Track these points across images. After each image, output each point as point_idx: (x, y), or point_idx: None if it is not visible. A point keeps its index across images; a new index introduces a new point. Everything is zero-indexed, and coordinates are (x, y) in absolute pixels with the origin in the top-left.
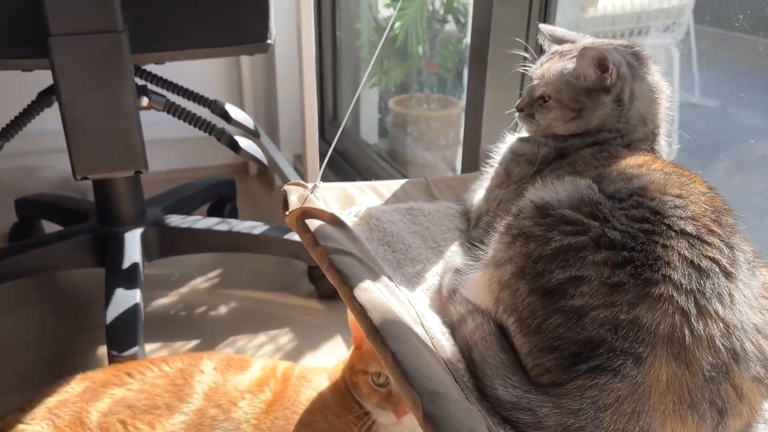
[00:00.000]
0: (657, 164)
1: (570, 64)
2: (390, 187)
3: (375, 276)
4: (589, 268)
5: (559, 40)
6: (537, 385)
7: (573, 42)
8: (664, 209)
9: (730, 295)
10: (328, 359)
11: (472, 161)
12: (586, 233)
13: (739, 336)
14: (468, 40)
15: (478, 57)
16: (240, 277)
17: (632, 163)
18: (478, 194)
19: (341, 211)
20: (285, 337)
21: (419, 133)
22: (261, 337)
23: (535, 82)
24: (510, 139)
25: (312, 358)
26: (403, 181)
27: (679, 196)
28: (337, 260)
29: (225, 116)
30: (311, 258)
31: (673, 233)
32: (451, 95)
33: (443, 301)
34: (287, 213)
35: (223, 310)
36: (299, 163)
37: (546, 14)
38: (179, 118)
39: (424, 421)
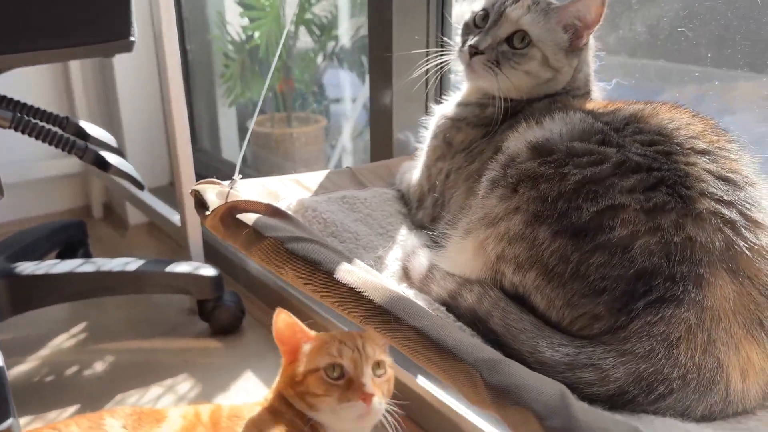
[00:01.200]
0: (620, 103)
1: (565, 15)
2: (314, 179)
3: (347, 259)
4: (623, 195)
5: None
6: (586, 338)
7: None
8: (668, 131)
9: (759, 203)
10: (245, 398)
11: (384, 152)
12: (605, 161)
13: None
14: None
15: (379, 40)
16: (112, 326)
17: (595, 105)
18: (413, 174)
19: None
20: (184, 385)
21: (285, 153)
22: (155, 389)
23: (508, 16)
24: (441, 108)
25: (225, 400)
26: (326, 171)
27: (671, 120)
28: (298, 248)
29: (81, 134)
30: (200, 291)
31: (688, 150)
32: (313, 111)
33: (419, 283)
34: (207, 213)
35: (99, 367)
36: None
37: None
38: (29, 134)
39: (490, 395)
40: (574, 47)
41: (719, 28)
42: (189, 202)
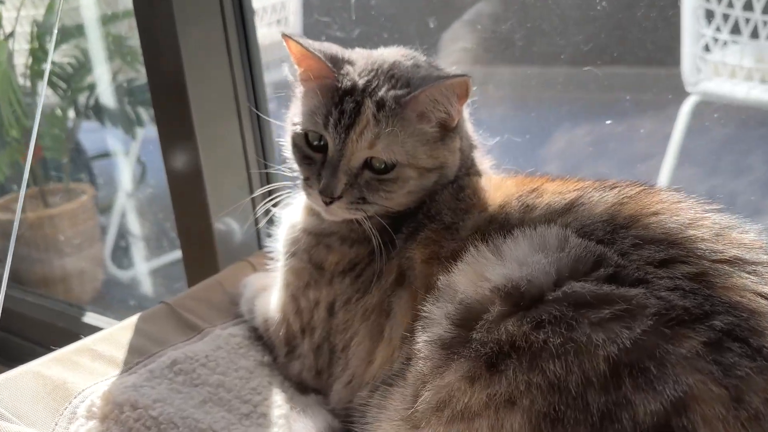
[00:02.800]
0: (540, 181)
1: (420, 105)
2: (116, 339)
3: None
4: (689, 371)
5: (337, 61)
6: None
7: (351, 62)
8: (674, 236)
9: None
10: None
11: (200, 249)
12: (637, 314)
13: None
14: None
15: (164, 90)
16: None
17: (515, 189)
18: (269, 303)
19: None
20: None
21: (45, 242)
22: None
23: (356, 143)
24: (291, 216)
25: None
26: (132, 320)
27: (657, 213)
28: None
29: None
30: None
31: (719, 264)
32: (73, 180)
33: None
34: None
35: None
36: None
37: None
38: None
39: None
40: (448, 129)
41: None
42: None
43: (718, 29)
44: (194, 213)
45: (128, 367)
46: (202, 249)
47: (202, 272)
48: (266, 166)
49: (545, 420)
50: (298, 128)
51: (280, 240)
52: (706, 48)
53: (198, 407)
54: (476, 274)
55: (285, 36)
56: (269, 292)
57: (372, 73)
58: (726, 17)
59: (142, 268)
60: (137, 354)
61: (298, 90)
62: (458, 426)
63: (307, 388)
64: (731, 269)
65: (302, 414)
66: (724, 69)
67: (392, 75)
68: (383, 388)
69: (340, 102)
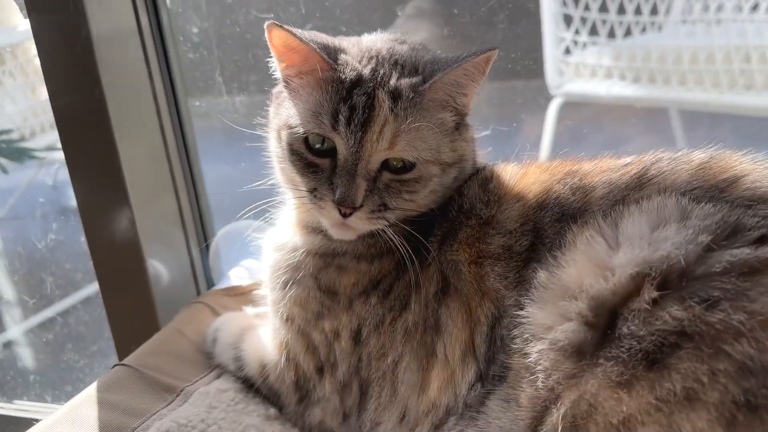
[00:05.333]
0: (581, 166)
1: (441, 91)
2: (79, 417)
3: None
4: None
5: (330, 51)
6: None
7: (343, 50)
8: None
9: None
10: None
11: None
12: None
13: None
14: None
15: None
16: None
17: (557, 174)
18: (263, 347)
19: None
20: None
21: None
22: None
23: (375, 143)
24: (283, 240)
25: None
26: (88, 392)
27: (743, 175)
28: None
29: None
30: None
31: None
32: None
33: None
34: None
35: None
36: None
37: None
38: None
39: None
40: (463, 116)
41: None
42: None
43: (577, 32)
44: (121, 254)
45: None
46: (133, 296)
47: (137, 324)
48: (197, 193)
49: (740, 410)
50: (298, 132)
51: (270, 267)
52: (567, 51)
53: None
54: (595, 264)
55: (271, 25)
56: (256, 332)
57: (374, 61)
58: (584, 20)
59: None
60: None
61: (285, 88)
62: None
63: None
64: None
65: None
66: (585, 69)
67: (396, 61)
68: (462, 417)
69: (348, 97)
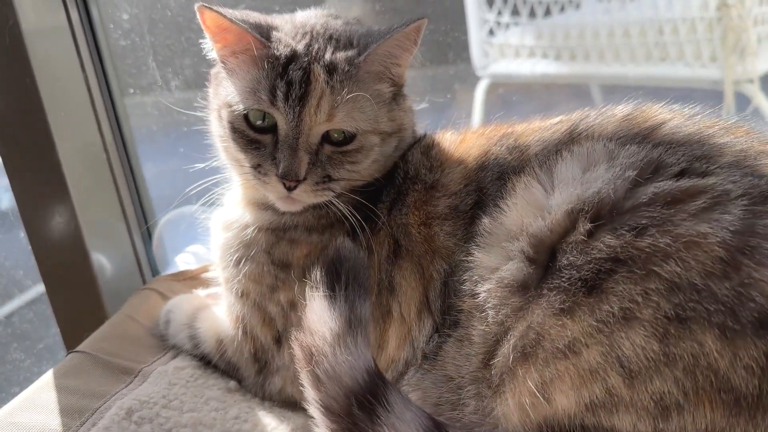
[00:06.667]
0: (515, 128)
1: (376, 63)
2: (37, 403)
3: None
4: None
5: (263, 29)
6: None
7: (276, 28)
8: (695, 136)
9: None
10: None
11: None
12: (725, 200)
13: None
14: None
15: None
16: None
17: (494, 137)
18: (220, 325)
19: None
20: None
21: None
22: None
23: (313, 116)
24: (232, 218)
25: None
26: (45, 379)
27: (665, 122)
28: None
29: None
30: None
31: (743, 152)
32: None
33: None
34: None
35: None
36: None
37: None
38: None
39: None
40: (399, 87)
41: None
42: None
43: (499, 13)
44: (64, 249)
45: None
46: (79, 290)
47: (85, 317)
48: (136, 185)
49: (672, 323)
50: (238, 109)
51: (221, 247)
52: (491, 32)
53: None
54: (533, 206)
55: (201, 7)
56: (210, 311)
57: (308, 36)
58: (506, 1)
59: None
60: (75, 415)
61: (223, 68)
62: (559, 365)
63: (295, 403)
64: (756, 153)
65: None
66: (509, 50)
67: (330, 36)
68: (423, 366)
69: (284, 72)
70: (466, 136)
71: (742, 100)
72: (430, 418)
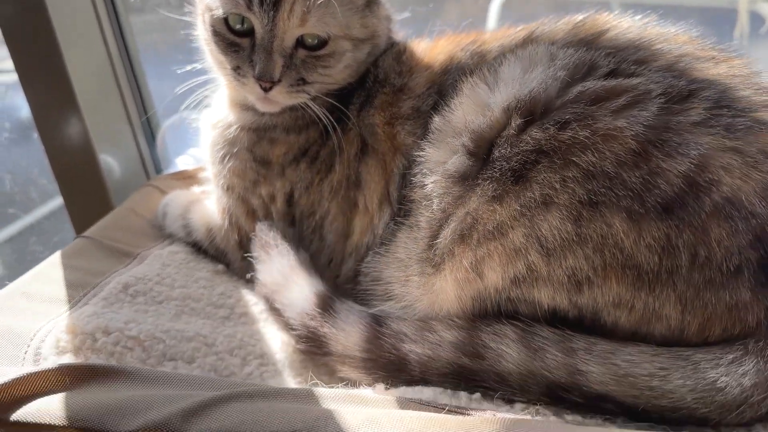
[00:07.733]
0: (484, 35)
1: None
2: (47, 276)
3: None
4: (703, 134)
5: None
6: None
7: None
8: (636, 42)
9: None
10: None
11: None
12: (646, 99)
13: None
14: None
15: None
16: None
17: (461, 44)
18: (207, 214)
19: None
20: None
21: None
22: None
23: (287, 20)
24: (219, 118)
25: None
26: (54, 258)
27: (610, 29)
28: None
29: None
30: None
31: (680, 57)
32: None
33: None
34: None
35: None
36: None
37: None
38: None
39: None
40: None
41: None
42: None
43: None
44: (75, 152)
45: (75, 301)
46: (89, 188)
47: (94, 213)
48: (139, 89)
49: (585, 207)
50: (218, 13)
51: (209, 144)
52: None
53: (174, 320)
54: (477, 105)
55: None
56: (202, 203)
57: None
58: None
59: None
60: (78, 288)
61: None
62: (489, 246)
63: None
64: (691, 59)
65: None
66: None
67: None
68: (379, 250)
69: None
70: (438, 43)
71: (757, 21)
72: (370, 315)
